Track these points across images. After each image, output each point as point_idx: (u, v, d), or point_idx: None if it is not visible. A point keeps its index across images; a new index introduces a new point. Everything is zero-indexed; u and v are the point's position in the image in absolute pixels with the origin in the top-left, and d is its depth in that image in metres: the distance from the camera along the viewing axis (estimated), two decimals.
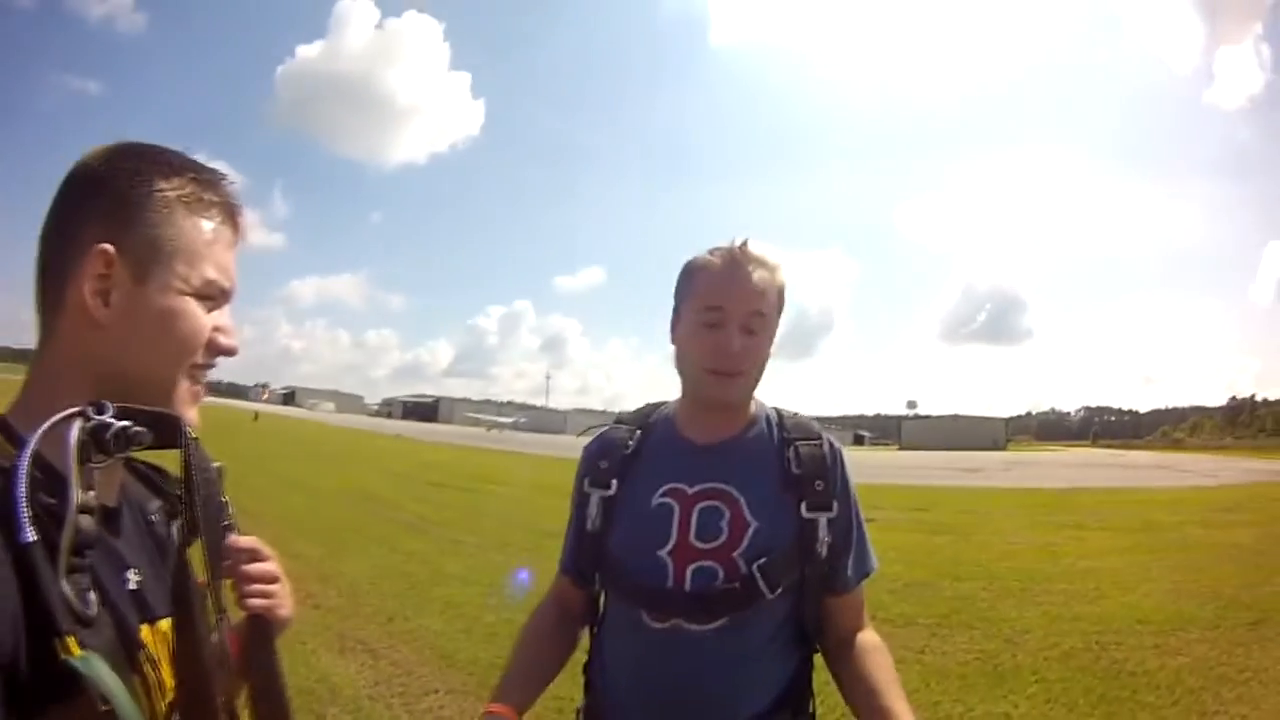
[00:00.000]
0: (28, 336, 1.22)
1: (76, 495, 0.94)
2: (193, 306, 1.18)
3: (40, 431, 0.95)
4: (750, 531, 1.85)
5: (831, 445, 1.98)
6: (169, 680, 1.12)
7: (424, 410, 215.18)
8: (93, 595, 0.96)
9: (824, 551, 1.88)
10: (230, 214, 1.26)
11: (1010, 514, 18.72)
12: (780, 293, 1.95)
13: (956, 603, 9.13)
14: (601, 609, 2.10)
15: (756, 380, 1.97)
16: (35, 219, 1.17)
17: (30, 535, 0.90)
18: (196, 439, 1.13)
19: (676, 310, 2.01)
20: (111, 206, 1.13)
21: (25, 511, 0.90)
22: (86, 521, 0.95)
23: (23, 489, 0.91)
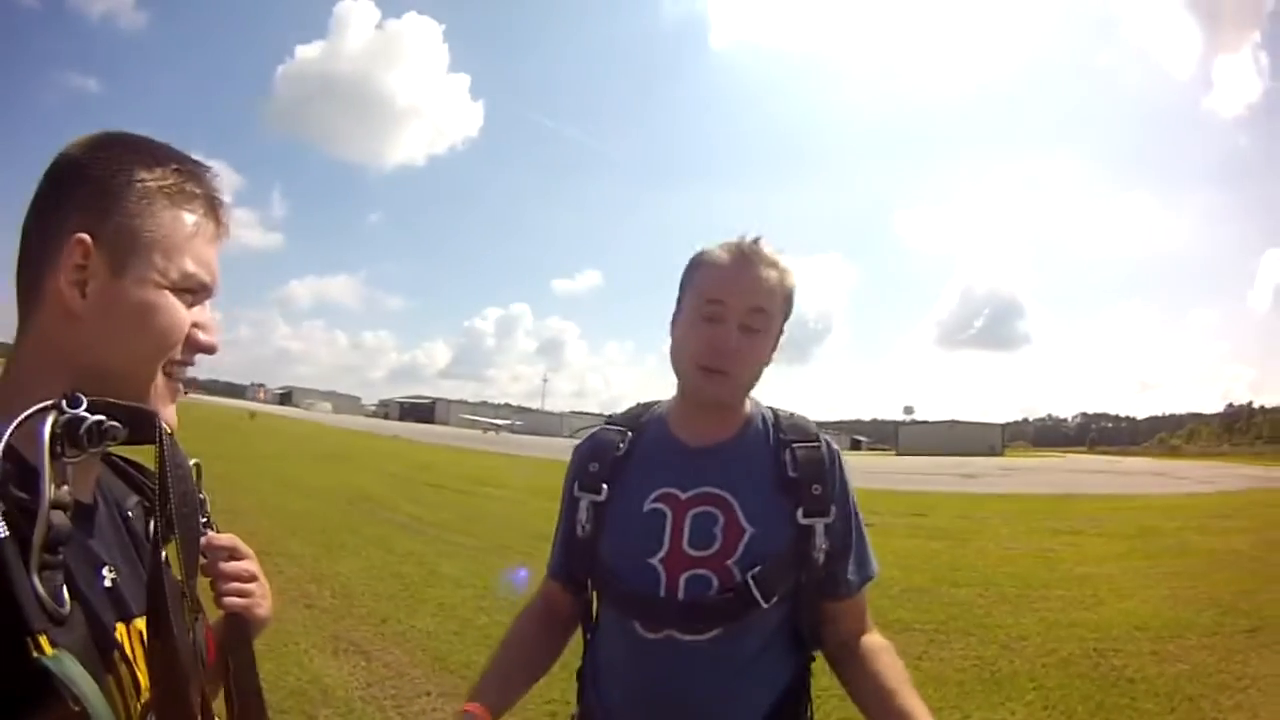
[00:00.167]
0: None
1: (49, 490, 0.91)
2: (171, 300, 1.15)
3: (13, 425, 0.92)
4: (745, 538, 1.81)
5: (829, 447, 1.93)
6: (145, 680, 1.09)
7: (421, 411, 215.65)
8: (66, 593, 0.94)
9: (820, 558, 1.84)
10: (213, 207, 1.23)
11: (1007, 520, 18.71)
12: (788, 296, 1.92)
13: (954, 609, 9.13)
14: (595, 614, 2.06)
15: (750, 381, 1.93)
16: None
17: (1, 531, 0.87)
18: (172, 435, 1.10)
19: (679, 301, 1.96)
20: (90, 196, 1.11)
21: None
22: (59, 517, 0.92)
23: None
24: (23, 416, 0.93)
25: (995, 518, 19.17)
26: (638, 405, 2.15)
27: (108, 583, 1.12)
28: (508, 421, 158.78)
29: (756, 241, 1.90)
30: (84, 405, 0.98)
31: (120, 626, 1.10)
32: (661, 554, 1.83)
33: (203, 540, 1.26)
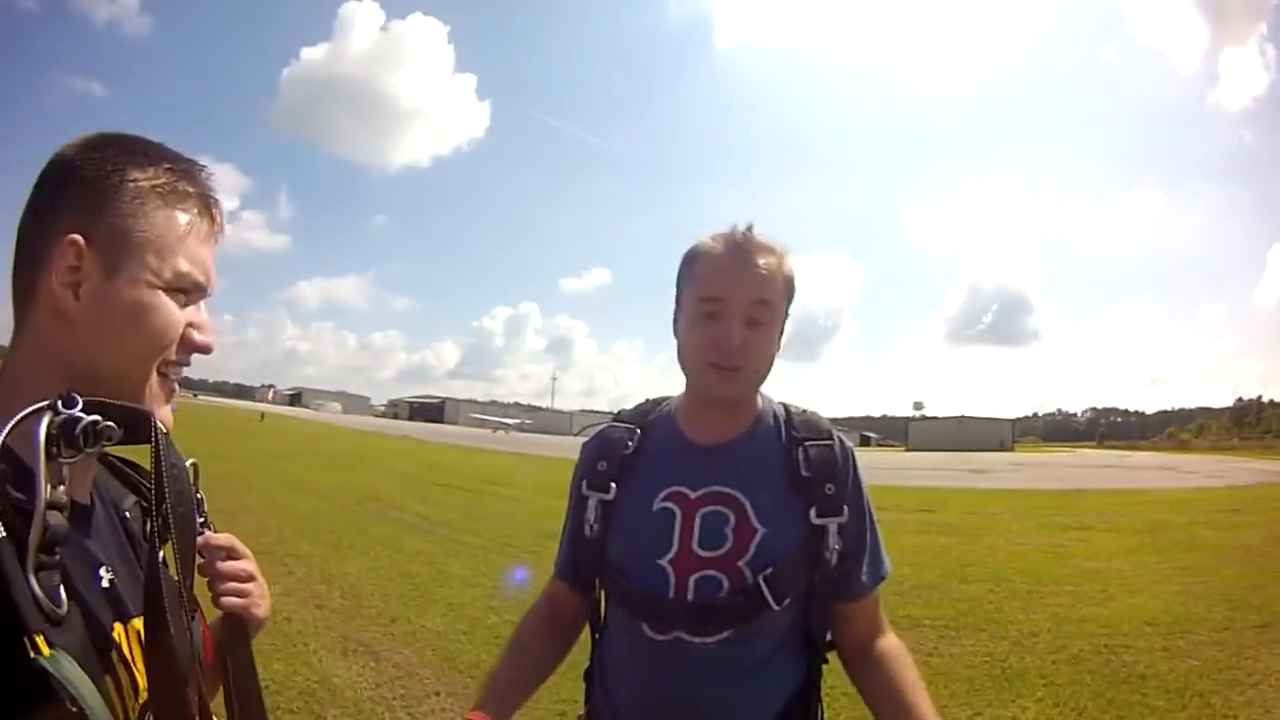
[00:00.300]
0: None
1: (45, 491, 0.91)
2: (164, 300, 1.14)
3: (9, 426, 0.92)
4: (757, 538, 1.77)
5: (843, 445, 1.89)
6: (143, 680, 1.09)
7: (430, 411, 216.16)
8: (63, 593, 0.94)
9: (833, 559, 1.79)
10: (207, 206, 1.22)
11: (1017, 515, 18.66)
12: (788, 282, 1.86)
13: (964, 605, 9.10)
14: (603, 614, 2.03)
15: (761, 376, 1.87)
16: None
17: None
18: (168, 435, 1.09)
19: (678, 300, 1.92)
20: (84, 197, 1.11)
21: None
22: (56, 518, 0.92)
23: None
24: (18, 417, 0.93)
25: (1005, 513, 19.12)
26: (646, 401, 2.10)
27: (105, 583, 1.12)
28: (517, 421, 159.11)
29: (749, 230, 1.86)
30: (79, 405, 0.98)
31: (118, 627, 1.10)
32: (671, 554, 1.80)
33: (200, 540, 1.26)
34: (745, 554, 1.76)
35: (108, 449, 1.08)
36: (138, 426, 1.05)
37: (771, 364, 1.87)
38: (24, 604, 0.87)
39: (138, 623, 1.12)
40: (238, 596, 1.34)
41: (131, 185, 1.12)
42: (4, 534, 0.87)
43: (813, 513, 1.79)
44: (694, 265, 1.88)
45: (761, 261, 1.80)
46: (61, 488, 0.94)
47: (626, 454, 1.94)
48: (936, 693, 6.05)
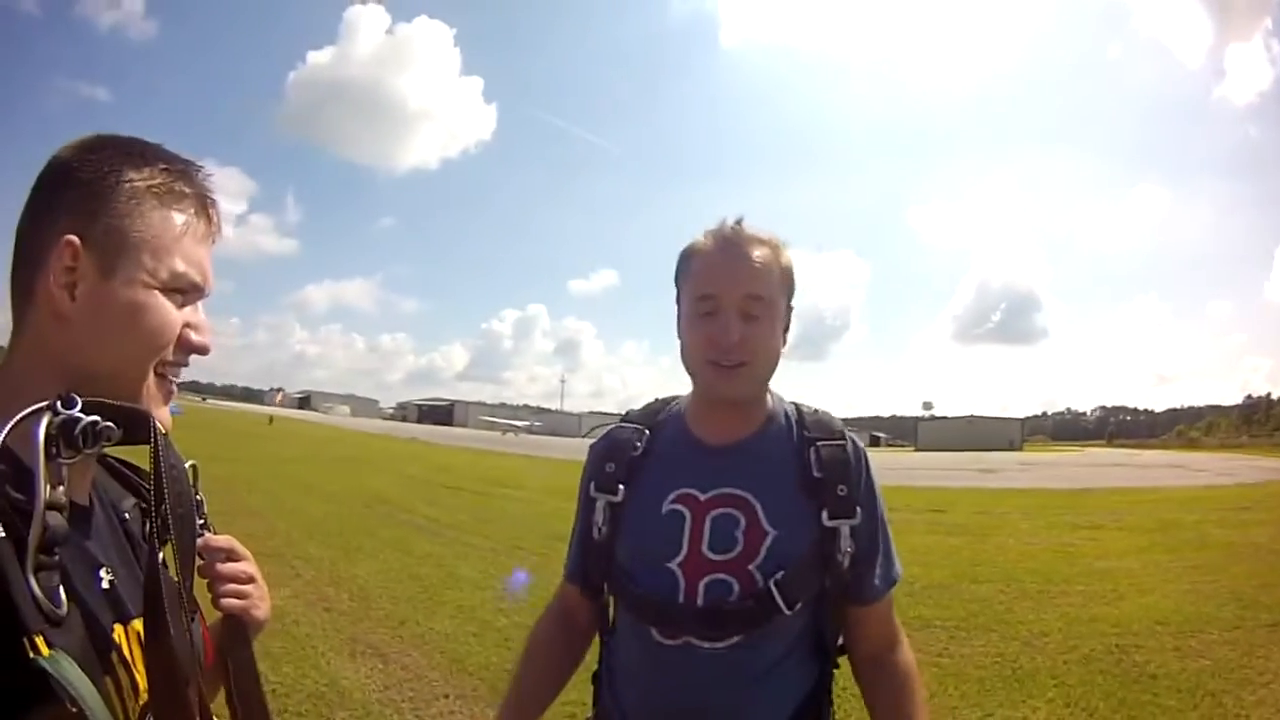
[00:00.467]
0: None
1: (44, 491, 0.91)
2: (161, 301, 1.14)
3: (7, 427, 0.92)
4: (768, 541, 1.74)
5: (855, 445, 1.86)
6: (143, 681, 1.09)
7: (439, 414, 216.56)
8: (63, 594, 0.94)
9: (846, 562, 1.76)
10: (204, 206, 1.22)
11: (1027, 515, 18.61)
12: (785, 273, 1.84)
13: (974, 605, 9.07)
14: (612, 617, 2.01)
15: (765, 371, 1.84)
16: None
17: None
18: (166, 435, 1.09)
19: (678, 300, 1.90)
20: (80, 198, 1.11)
21: None
22: (56, 518, 0.92)
23: None
24: (17, 418, 0.93)
25: (1015, 513, 19.06)
26: (655, 401, 2.07)
27: (105, 584, 1.11)
28: (526, 423, 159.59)
29: (739, 223, 1.84)
30: (78, 406, 0.98)
31: (118, 628, 1.10)
32: (680, 558, 1.77)
33: (199, 541, 1.26)
34: (756, 557, 1.74)
35: (107, 451, 1.08)
36: (136, 427, 1.05)
37: (775, 358, 1.85)
38: (23, 604, 0.87)
39: (138, 624, 1.11)
40: (238, 598, 1.34)
41: (127, 186, 1.12)
42: (3, 534, 0.87)
43: (824, 514, 1.76)
44: (689, 263, 1.86)
45: (754, 255, 1.78)
46: (61, 488, 0.94)
47: (635, 455, 1.91)
48: (947, 694, 6.12)
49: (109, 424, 1.00)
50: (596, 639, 2.07)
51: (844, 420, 1.91)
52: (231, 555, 1.36)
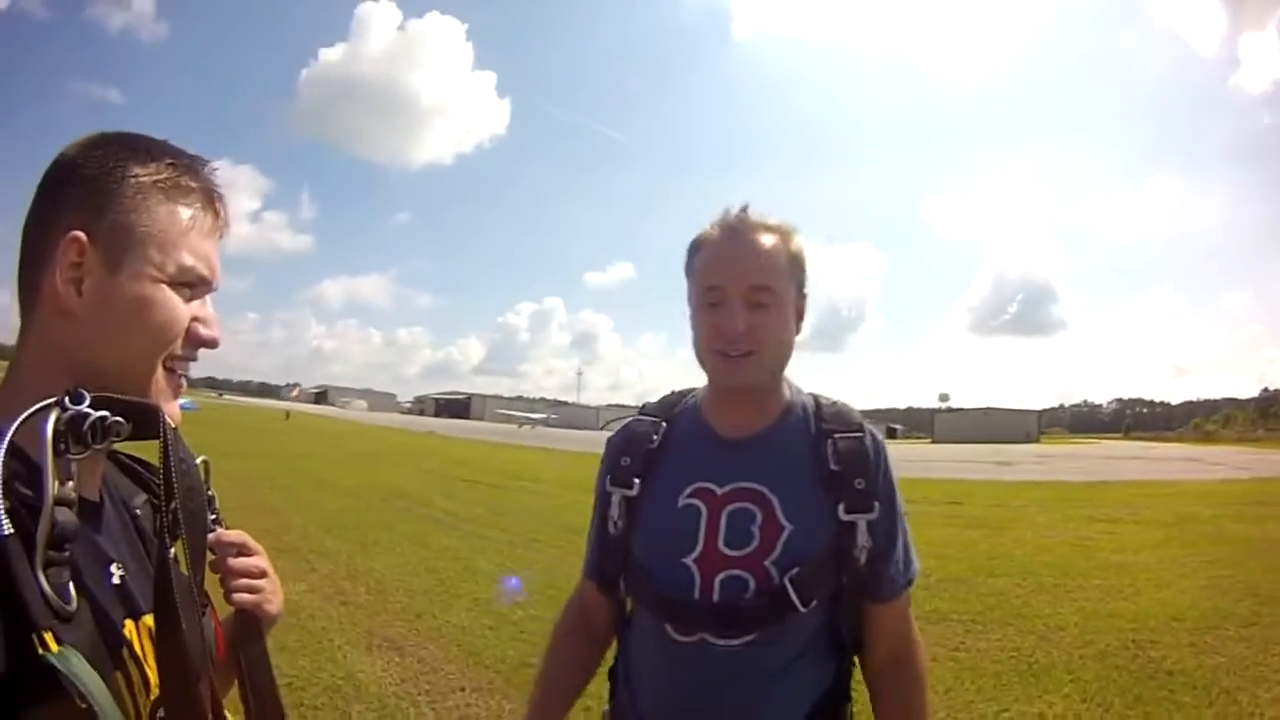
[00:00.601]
0: None
1: (53, 487, 0.92)
2: (168, 295, 1.15)
3: (16, 423, 0.93)
4: (784, 536, 1.73)
5: (873, 438, 1.84)
6: (154, 677, 1.09)
7: (456, 407, 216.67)
8: (73, 590, 0.94)
9: (862, 557, 1.74)
10: (210, 200, 1.22)
11: (1044, 508, 18.50)
12: (794, 260, 1.82)
13: (991, 599, 9.03)
14: (629, 612, 2.01)
15: (775, 360, 1.82)
16: None
17: (6, 528, 0.87)
18: (176, 430, 1.10)
19: (689, 292, 1.88)
20: (85, 194, 1.11)
21: (0, 504, 0.87)
22: (65, 514, 0.93)
23: None
24: (26, 414, 0.94)
25: (1032, 505, 18.96)
26: (673, 394, 2.05)
27: (116, 580, 1.12)
28: (543, 416, 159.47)
29: (744, 210, 1.82)
30: (87, 402, 0.98)
31: (129, 624, 1.10)
32: (696, 553, 1.76)
33: (211, 536, 1.28)
34: (772, 553, 1.72)
35: (117, 447, 1.09)
36: (146, 422, 1.06)
37: (785, 347, 1.83)
38: (32, 601, 0.87)
39: (149, 619, 1.12)
40: (250, 593, 1.34)
41: (133, 181, 1.13)
42: (11, 531, 0.87)
43: (841, 509, 1.74)
44: (696, 254, 1.85)
45: (759, 243, 1.77)
46: (70, 484, 0.94)
47: (651, 448, 1.90)
48: (963, 688, 6.12)
49: (118, 419, 1.01)
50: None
51: (860, 412, 1.89)
52: (243, 550, 1.36)
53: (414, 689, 5.94)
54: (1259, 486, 24.60)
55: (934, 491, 20.58)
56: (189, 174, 1.19)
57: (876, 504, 1.76)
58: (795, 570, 1.71)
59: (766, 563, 1.72)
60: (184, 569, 1.11)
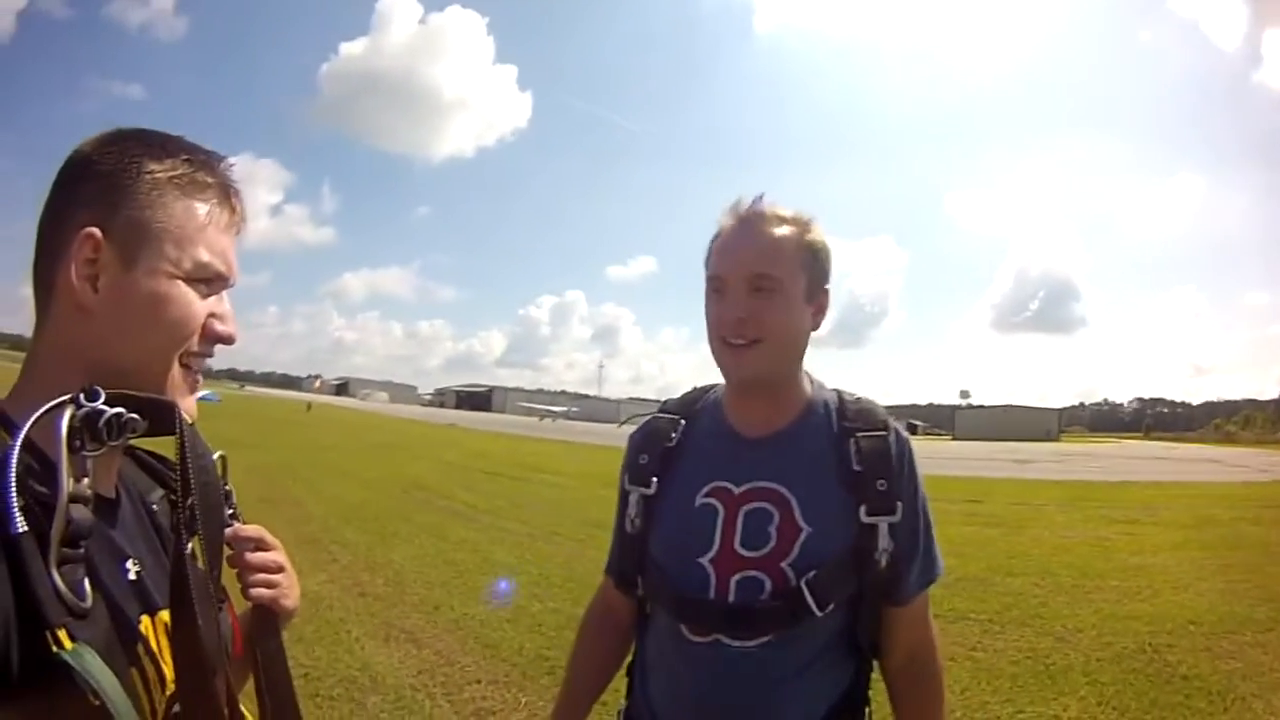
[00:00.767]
0: None
1: (68, 484, 0.92)
2: (184, 291, 1.15)
3: (31, 420, 0.93)
4: (801, 538, 1.70)
5: (898, 437, 1.80)
6: (170, 672, 1.09)
7: (477, 400, 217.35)
8: (88, 586, 0.94)
9: (883, 560, 1.70)
10: (227, 196, 1.22)
11: (1063, 507, 18.42)
12: (807, 249, 1.77)
13: (1009, 598, 8.99)
14: (647, 610, 1.98)
15: (782, 349, 1.77)
16: None
17: (20, 526, 0.87)
18: (193, 426, 1.10)
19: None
20: (100, 190, 1.11)
21: (15, 501, 0.88)
22: (80, 511, 0.93)
23: (12, 478, 0.88)
24: (41, 411, 0.94)
25: (1051, 505, 18.87)
26: (694, 390, 2.02)
27: (132, 576, 1.13)
28: (564, 409, 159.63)
29: (756, 200, 1.79)
30: (102, 398, 0.99)
31: (145, 619, 1.11)
32: (712, 553, 1.74)
33: (228, 532, 1.28)
34: (789, 554, 1.70)
35: (134, 442, 1.09)
36: (162, 418, 1.06)
37: (794, 335, 1.79)
38: (46, 598, 0.88)
39: (165, 615, 1.12)
40: (267, 588, 1.34)
41: (148, 177, 1.13)
42: (25, 529, 0.87)
43: (862, 510, 1.71)
44: (710, 246, 1.83)
45: (763, 232, 1.75)
46: (85, 481, 0.95)
47: (669, 447, 1.88)
48: (979, 689, 6.09)
49: (134, 416, 1.01)
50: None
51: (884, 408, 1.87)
52: (261, 545, 1.36)
53: (430, 681, 5.95)
54: (1278, 489, 24.39)
55: (953, 489, 20.47)
56: (205, 170, 1.19)
57: (899, 505, 1.72)
58: (812, 573, 1.68)
59: (783, 564, 1.70)
60: (201, 564, 1.11)
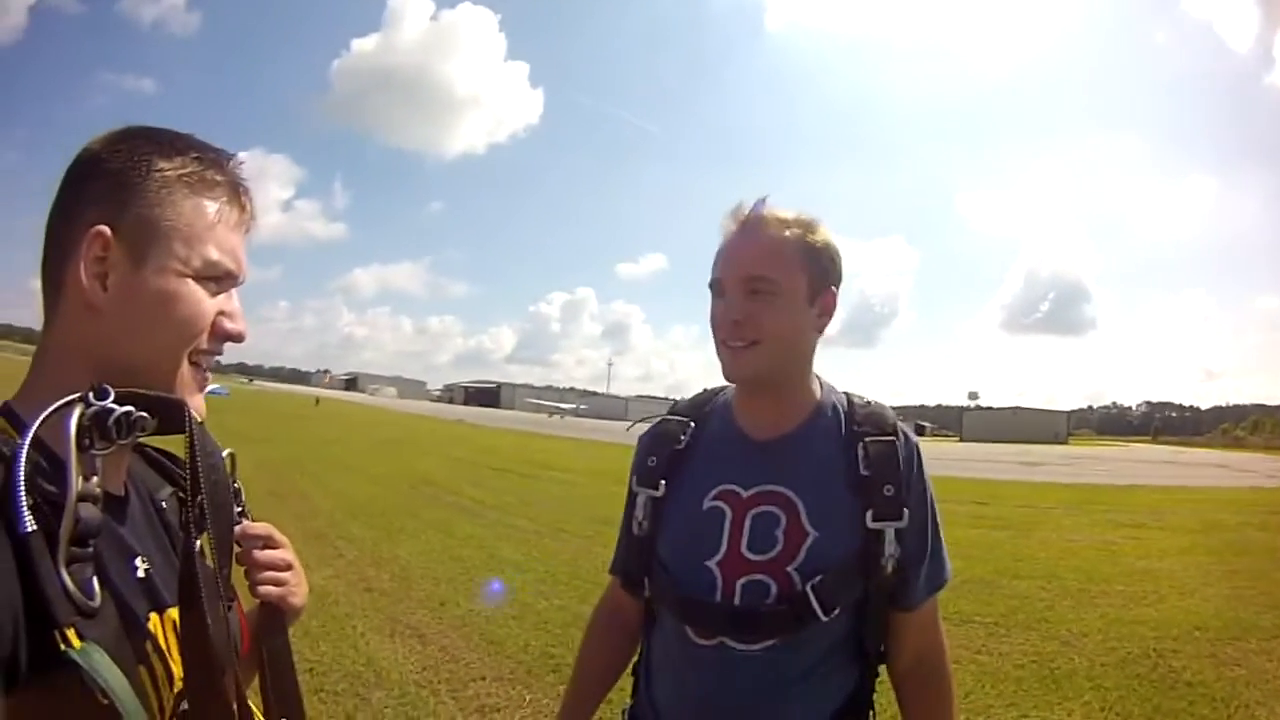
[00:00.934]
0: None
1: (76, 483, 0.92)
2: (193, 289, 1.14)
3: (40, 418, 0.93)
4: (808, 543, 1.69)
5: (908, 441, 1.79)
6: (178, 670, 1.09)
7: (486, 396, 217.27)
8: (96, 585, 0.94)
9: (890, 566, 1.70)
10: (236, 194, 1.22)
11: (1070, 510, 18.41)
12: (808, 251, 1.75)
13: (1015, 602, 8.99)
14: (654, 611, 1.97)
15: (781, 350, 1.76)
16: None
17: (29, 525, 0.87)
18: (202, 424, 1.10)
19: None
20: (109, 189, 1.11)
21: (24, 500, 0.88)
22: (89, 510, 0.93)
23: (21, 477, 0.89)
24: (49, 410, 0.94)
25: (1059, 508, 18.88)
26: (704, 392, 2.02)
27: (141, 574, 1.13)
28: (572, 406, 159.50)
29: (759, 203, 1.78)
30: (111, 397, 0.98)
31: (154, 617, 1.11)
32: (719, 556, 1.73)
33: (237, 529, 1.28)
34: (795, 559, 1.69)
35: (143, 440, 1.09)
36: (171, 416, 1.06)
37: (794, 337, 1.78)
38: (54, 597, 0.88)
39: (173, 612, 1.12)
40: (275, 585, 1.34)
41: (158, 175, 1.12)
42: (34, 528, 0.88)
43: (869, 515, 1.70)
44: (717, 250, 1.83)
45: (762, 235, 1.74)
46: (94, 480, 0.94)
47: (677, 449, 1.88)
48: (983, 693, 6.09)
49: (143, 414, 1.01)
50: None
51: (891, 409, 1.86)
52: (269, 542, 1.36)
53: (435, 677, 5.96)
54: None
55: (961, 491, 20.49)
56: (214, 168, 1.19)
57: (907, 511, 1.71)
58: (818, 578, 1.67)
59: (789, 569, 1.69)
60: (210, 562, 1.11)
